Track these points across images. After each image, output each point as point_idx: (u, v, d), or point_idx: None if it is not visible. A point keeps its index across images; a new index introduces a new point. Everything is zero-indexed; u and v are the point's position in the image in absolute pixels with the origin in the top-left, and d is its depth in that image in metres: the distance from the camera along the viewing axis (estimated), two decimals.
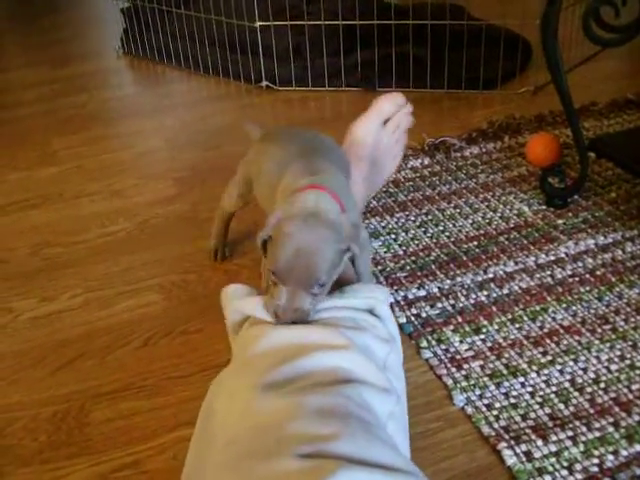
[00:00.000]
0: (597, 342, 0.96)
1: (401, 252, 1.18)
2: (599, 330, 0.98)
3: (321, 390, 0.66)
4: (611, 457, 0.80)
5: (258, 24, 1.89)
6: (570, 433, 0.83)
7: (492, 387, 0.91)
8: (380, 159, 1.15)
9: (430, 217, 1.27)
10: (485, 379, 0.92)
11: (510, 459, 0.81)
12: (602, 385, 0.89)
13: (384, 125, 1.15)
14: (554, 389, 0.89)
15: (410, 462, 0.65)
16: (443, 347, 0.98)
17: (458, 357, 0.96)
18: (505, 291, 1.07)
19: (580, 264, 1.11)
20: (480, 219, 1.25)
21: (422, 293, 1.08)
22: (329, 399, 0.65)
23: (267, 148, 1.03)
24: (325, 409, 0.63)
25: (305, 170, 0.87)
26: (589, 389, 0.89)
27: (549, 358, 0.94)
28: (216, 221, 1.21)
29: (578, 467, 0.79)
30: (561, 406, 0.87)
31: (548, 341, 0.97)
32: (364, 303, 0.83)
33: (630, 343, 0.95)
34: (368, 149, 1.13)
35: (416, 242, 1.21)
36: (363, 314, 0.82)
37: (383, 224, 1.26)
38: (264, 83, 1.95)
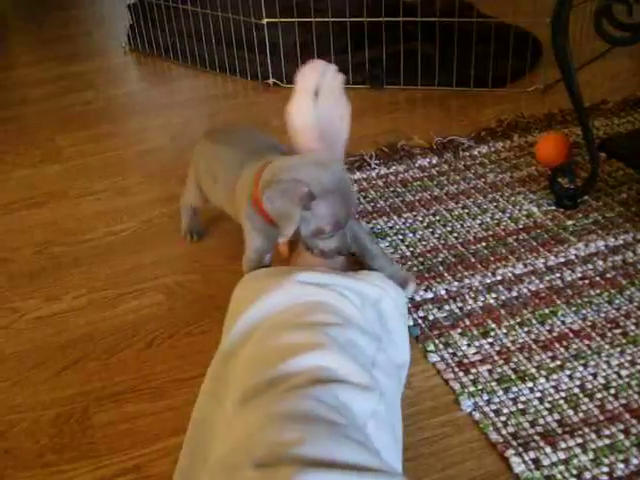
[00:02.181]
0: (607, 347, 0.95)
1: (408, 253, 1.17)
2: (609, 334, 0.97)
3: (291, 395, 0.65)
4: (621, 465, 0.79)
5: (265, 21, 1.87)
6: (579, 440, 0.82)
7: (500, 392, 0.89)
8: (328, 131, 1.10)
9: (438, 217, 1.26)
10: (493, 384, 0.90)
11: (518, 467, 0.79)
12: (612, 391, 0.88)
13: (316, 97, 1.10)
14: (563, 395, 0.88)
15: (384, 461, 0.64)
16: (450, 351, 0.96)
17: (466, 361, 0.94)
18: (514, 294, 1.06)
19: (590, 266, 1.10)
20: (489, 220, 1.23)
21: (429, 295, 1.07)
22: (297, 404, 0.64)
23: (214, 150, 1.09)
24: (291, 415, 0.63)
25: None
26: (599, 395, 0.88)
27: (558, 363, 0.93)
28: (182, 215, 1.26)
29: (587, 475, 0.78)
30: (570, 412, 0.85)
31: (557, 345, 0.95)
32: (374, 292, 0.83)
33: None
34: (311, 130, 1.08)
35: (424, 243, 1.19)
36: (365, 306, 0.82)
37: (390, 224, 1.25)
38: (271, 80, 1.93)
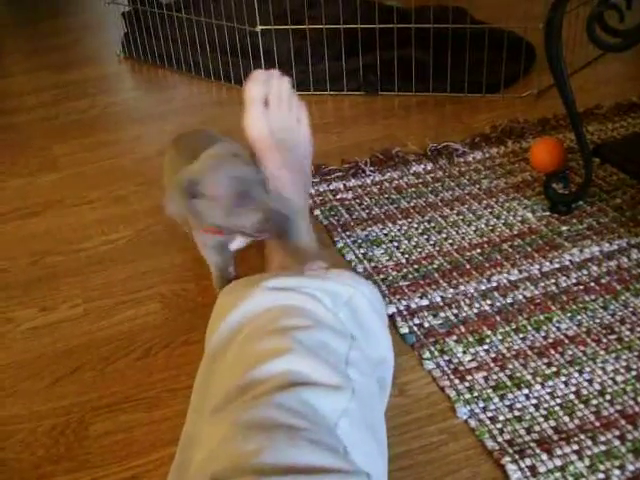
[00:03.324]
0: (602, 352, 0.95)
1: (403, 260, 1.17)
2: (604, 340, 0.97)
3: (254, 404, 0.65)
4: (617, 472, 0.79)
5: (259, 28, 1.87)
6: (575, 447, 0.82)
7: (496, 399, 0.89)
8: (287, 137, 1.10)
9: (433, 224, 1.26)
10: (489, 391, 0.91)
11: (514, 474, 0.79)
12: (608, 397, 0.88)
13: (267, 106, 1.10)
14: (559, 401, 0.88)
15: (351, 461, 0.64)
16: (446, 358, 0.97)
17: (461, 368, 0.95)
18: (509, 300, 1.06)
19: (585, 272, 1.10)
20: (483, 226, 1.24)
21: (425, 302, 1.07)
22: (259, 413, 0.64)
23: (172, 154, 1.12)
24: (252, 424, 0.63)
25: None
26: (594, 401, 0.88)
27: (554, 369, 0.93)
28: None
29: None
30: (566, 419, 0.86)
31: (552, 352, 0.96)
32: (344, 290, 0.83)
33: (636, 353, 0.94)
34: (267, 139, 1.08)
35: (419, 250, 1.19)
36: (337, 305, 0.82)
37: (385, 231, 1.25)
38: None
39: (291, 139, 1.10)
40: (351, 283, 0.88)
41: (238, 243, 1.03)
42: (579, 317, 1.01)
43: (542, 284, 1.08)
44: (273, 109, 1.09)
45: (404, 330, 1.02)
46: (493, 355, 0.96)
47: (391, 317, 1.04)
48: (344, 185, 1.41)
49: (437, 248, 1.19)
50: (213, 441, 0.64)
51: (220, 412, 0.67)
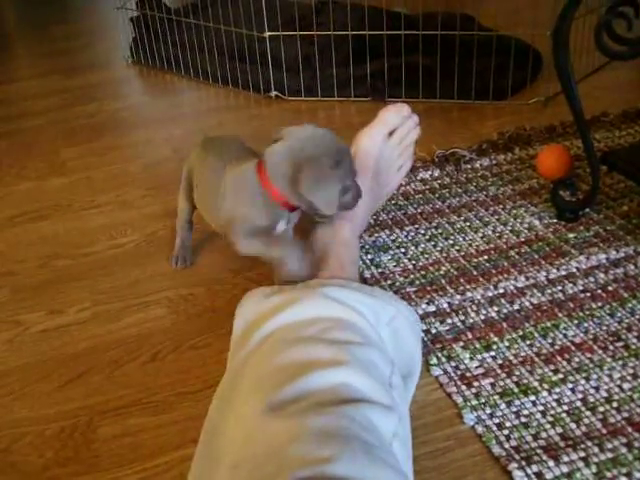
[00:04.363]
0: (609, 360, 0.95)
1: (411, 266, 1.18)
2: (611, 347, 0.97)
3: (323, 410, 0.65)
4: (624, 479, 0.79)
5: (267, 34, 1.88)
6: (582, 454, 0.82)
7: (503, 406, 0.89)
8: (384, 171, 1.14)
9: (440, 230, 1.26)
10: (496, 397, 0.91)
11: None
12: (614, 404, 0.88)
13: (389, 136, 1.14)
14: (565, 408, 0.88)
15: None
16: (453, 364, 0.97)
17: (468, 374, 0.95)
18: (516, 307, 1.06)
19: (592, 279, 1.10)
20: (490, 233, 1.24)
21: (432, 308, 1.07)
22: (331, 420, 0.64)
23: (205, 157, 1.13)
24: (326, 431, 0.63)
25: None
26: (601, 408, 0.88)
27: (560, 376, 0.93)
28: (177, 231, 1.25)
29: None
30: (573, 426, 0.86)
31: (559, 358, 0.96)
32: (389, 310, 0.84)
33: None
34: (372, 160, 1.12)
35: (426, 256, 1.20)
36: (379, 325, 0.82)
37: (392, 237, 1.26)
38: (273, 93, 1.94)
39: (385, 177, 1.16)
40: (394, 304, 0.89)
41: (282, 226, 1.05)
42: (586, 324, 1.01)
43: (549, 291, 1.08)
44: (392, 142, 1.15)
45: None
46: (500, 362, 0.96)
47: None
48: None
49: (444, 254, 1.20)
50: (275, 438, 0.63)
51: (277, 412, 0.66)
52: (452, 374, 0.95)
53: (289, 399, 0.67)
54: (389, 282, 1.14)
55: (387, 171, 1.15)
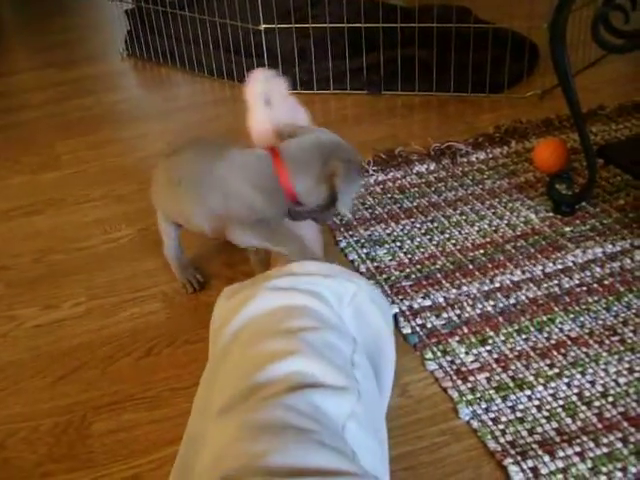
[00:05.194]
0: (605, 354, 0.95)
1: (406, 260, 1.17)
2: (607, 342, 0.97)
3: (263, 404, 0.66)
4: (619, 474, 0.79)
5: (263, 27, 1.87)
6: (577, 449, 0.82)
7: (498, 400, 0.89)
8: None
9: (436, 224, 1.26)
10: (491, 392, 0.91)
11: (516, 475, 0.79)
12: (610, 399, 0.88)
13: (269, 106, 1.12)
14: (561, 403, 0.88)
15: (359, 464, 0.64)
16: (449, 358, 0.97)
17: (464, 369, 0.95)
18: (512, 301, 1.06)
19: (588, 273, 1.10)
20: (486, 226, 1.24)
21: (427, 303, 1.07)
22: (267, 413, 0.64)
23: (180, 160, 1.09)
24: (261, 425, 0.63)
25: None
26: (597, 403, 0.88)
27: (556, 370, 0.93)
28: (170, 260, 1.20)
29: None
30: (568, 420, 0.86)
31: (555, 353, 0.96)
32: (349, 287, 0.84)
33: (639, 355, 0.94)
34: (272, 136, 1.10)
35: (422, 250, 1.19)
36: (342, 305, 0.82)
37: (388, 231, 1.25)
38: None
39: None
40: (354, 280, 0.88)
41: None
42: (582, 318, 1.01)
43: (545, 285, 1.08)
44: (277, 108, 1.12)
45: (407, 330, 1.02)
46: (496, 356, 0.96)
47: (394, 317, 1.04)
48: None
49: (440, 248, 1.19)
50: (221, 441, 0.64)
51: (228, 413, 0.67)
52: (448, 369, 0.95)
53: (238, 399, 0.67)
54: (384, 276, 1.14)
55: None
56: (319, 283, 0.85)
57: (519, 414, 0.87)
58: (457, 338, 1.00)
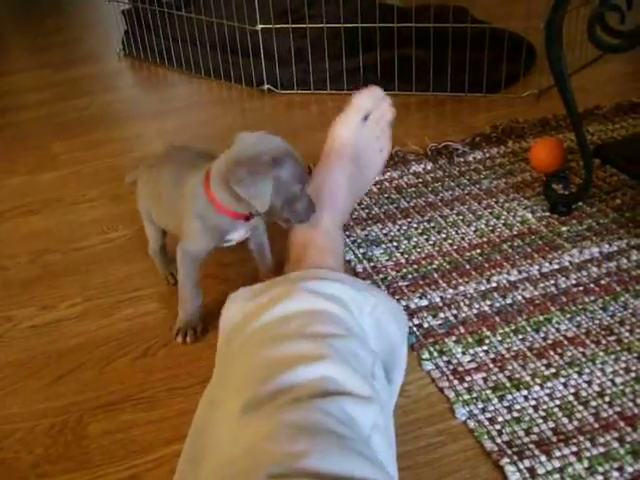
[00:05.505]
0: (602, 354, 0.95)
1: (403, 260, 1.17)
2: (604, 341, 0.97)
3: (298, 406, 0.65)
4: (616, 474, 0.79)
5: (259, 27, 1.87)
6: (574, 449, 0.82)
7: (495, 400, 0.89)
8: (363, 156, 1.14)
9: (433, 224, 1.26)
10: (488, 392, 0.90)
11: (513, 475, 0.79)
12: (607, 399, 0.88)
13: (364, 121, 1.13)
14: (558, 403, 0.88)
15: (389, 475, 0.64)
16: (445, 359, 0.96)
17: (460, 369, 0.94)
18: (508, 301, 1.06)
19: (584, 273, 1.10)
20: (483, 226, 1.24)
21: (424, 303, 1.07)
22: (305, 415, 0.64)
23: (158, 173, 1.08)
24: (299, 426, 0.63)
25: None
26: (593, 403, 0.88)
27: (553, 370, 0.93)
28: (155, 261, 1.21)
29: None
30: (565, 420, 0.86)
31: (552, 353, 0.95)
32: (370, 299, 0.84)
33: (635, 355, 0.94)
34: (350, 148, 1.12)
35: (418, 250, 1.19)
36: (362, 316, 0.82)
37: (385, 231, 1.25)
38: (266, 86, 1.93)
39: (366, 162, 1.15)
40: (375, 293, 0.89)
41: (241, 234, 1.04)
42: (578, 318, 1.01)
43: (542, 285, 1.08)
44: (368, 126, 1.14)
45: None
46: (492, 356, 0.96)
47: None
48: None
49: (437, 248, 1.19)
50: (252, 437, 0.63)
51: (256, 410, 0.66)
52: (444, 369, 0.95)
53: (267, 397, 0.67)
54: (381, 276, 1.14)
55: (367, 155, 1.14)
56: (343, 291, 0.85)
57: (516, 414, 0.87)
58: (454, 338, 1.00)
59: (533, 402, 0.88)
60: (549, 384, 0.91)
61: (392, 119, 1.17)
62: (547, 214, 1.25)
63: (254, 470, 0.59)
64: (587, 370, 0.92)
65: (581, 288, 1.07)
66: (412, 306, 1.06)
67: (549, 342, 0.97)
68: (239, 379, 0.73)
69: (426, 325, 1.03)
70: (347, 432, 0.63)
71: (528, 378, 0.92)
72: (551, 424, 0.85)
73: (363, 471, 0.59)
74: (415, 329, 1.02)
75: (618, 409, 0.86)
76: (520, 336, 0.99)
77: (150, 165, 1.12)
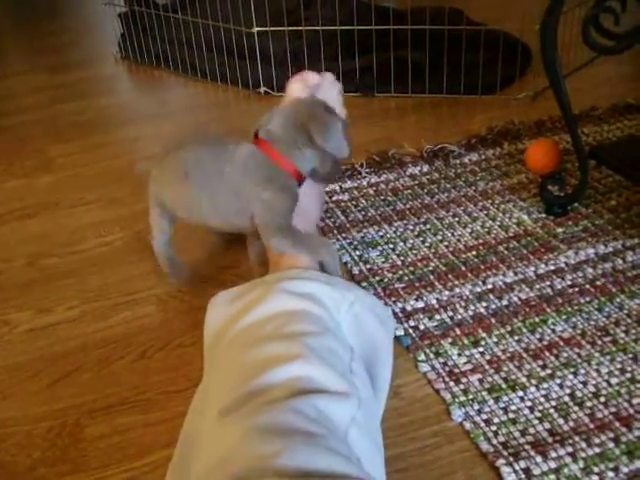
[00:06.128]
0: (597, 355, 0.95)
1: (399, 262, 1.17)
2: (599, 342, 0.97)
3: (271, 408, 0.66)
4: (611, 474, 0.79)
5: (256, 29, 1.88)
6: (570, 449, 0.82)
7: (491, 402, 0.89)
8: None
9: (429, 226, 1.26)
10: (484, 393, 0.91)
11: (509, 476, 0.79)
12: (602, 399, 0.88)
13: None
14: (553, 403, 0.88)
15: (364, 470, 0.64)
16: (441, 360, 0.97)
17: (456, 371, 0.95)
18: (504, 302, 1.06)
19: (580, 274, 1.10)
20: (479, 228, 1.24)
21: (420, 304, 1.07)
22: (275, 416, 0.65)
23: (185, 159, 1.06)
24: (270, 428, 0.63)
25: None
26: (589, 403, 0.88)
27: (548, 371, 0.93)
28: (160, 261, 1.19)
29: None
30: (561, 421, 0.86)
31: (547, 354, 0.96)
32: (348, 295, 0.84)
33: (631, 356, 0.94)
34: None
35: (414, 252, 1.19)
36: (340, 312, 0.83)
37: (381, 233, 1.25)
38: (262, 89, 1.94)
39: None
40: (352, 289, 0.89)
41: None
42: (574, 319, 1.01)
43: (537, 286, 1.08)
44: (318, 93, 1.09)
45: (399, 332, 1.02)
46: (488, 357, 0.96)
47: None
48: (340, 187, 1.41)
49: (433, 250, 1.20)
50: (227, 443, 0.64)
51: (231, 415, 0.67)
52: (440, 370, 0.95)
53: (242, 402, 0.67)
54: (377, 278, 1.14)
55: None
56: (320, 289, 0.85)
57: (511, 415, 0.87)
58: (450, 340, 1.00)
59: (529, 403, 0.89)
60: (545, 385, 0.91)
61: (339, 92, 1.12)
62: (543, 215, 1.25)
63: (223, 476, 0.59)
64: (583, 371, 0.93)
65: (577, 289, 1.07)
66: (408, 308, 1.07)
67: (545, 343, 0.98)
68: (219, 386, 0.74)
69: (422, 327, 1.03)
70: (317, 429, 0.64)
71: (524, 379, 0.92)
72: (547, 425, 0.86)
73: (325, 465, 0.59)
74: (411, 331, 1.02)
75: (613, 409, 0.87)
76: (516, 337, 0.99)
77: (168, 150, 1.10)
